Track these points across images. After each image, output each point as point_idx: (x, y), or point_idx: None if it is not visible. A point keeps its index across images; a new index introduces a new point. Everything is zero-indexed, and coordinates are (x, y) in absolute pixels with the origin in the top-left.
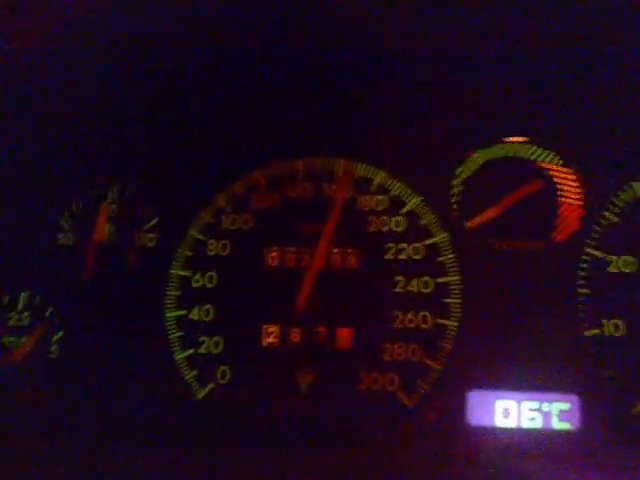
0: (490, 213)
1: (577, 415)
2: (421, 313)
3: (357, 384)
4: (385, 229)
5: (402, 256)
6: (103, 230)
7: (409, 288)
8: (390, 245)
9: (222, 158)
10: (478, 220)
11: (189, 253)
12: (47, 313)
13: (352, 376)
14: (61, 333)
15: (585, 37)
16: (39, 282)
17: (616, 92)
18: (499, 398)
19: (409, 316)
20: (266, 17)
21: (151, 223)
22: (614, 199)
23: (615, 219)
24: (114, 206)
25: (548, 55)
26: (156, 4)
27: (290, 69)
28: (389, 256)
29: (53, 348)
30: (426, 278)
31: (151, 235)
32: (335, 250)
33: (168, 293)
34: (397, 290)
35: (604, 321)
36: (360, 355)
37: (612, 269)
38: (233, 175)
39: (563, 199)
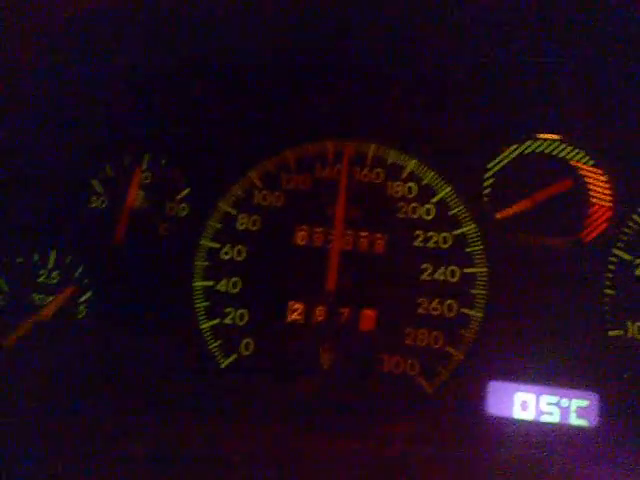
0: (521, 206)
1: (595, 413)
2: (446, 302)
3: (378, 366)
4: (415, 216)
5: (430, 244)
6: (135, 196)
7: (436, 276)
8: (419, 232)
9: (255, 135)
10: (508, 212)
11: (219, 225)
12: (76, 274)
13: (374, 358)
14: (89, 294)
15: (618, 36)
16: (70, 242)
17: None
18: (518, 390)
19: (434, 304)
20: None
21: (183, 193)
22: None
23: None
24: (147, 174)
25: (584, 54)
26: None
27: (327, 50)
28: (417, 243)
29: (81, 308)
30: (453, 267)
31: (182, 205)
32: (364, 234)
33: (196, 263)
34: (424, 277)
35: (628, 323)
36: (383, 338)
37: (639, 272)
38: (265, 152)
39: (593, 199)
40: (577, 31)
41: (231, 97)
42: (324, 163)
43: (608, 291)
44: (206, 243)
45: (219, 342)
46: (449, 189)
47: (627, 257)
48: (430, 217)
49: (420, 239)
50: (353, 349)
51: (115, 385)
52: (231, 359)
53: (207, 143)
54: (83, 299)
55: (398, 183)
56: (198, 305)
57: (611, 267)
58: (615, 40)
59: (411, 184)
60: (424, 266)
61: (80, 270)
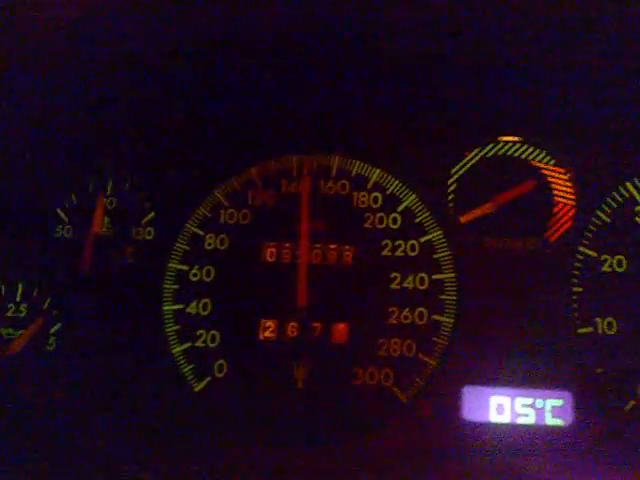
0: (484, 209)
1: (570, 411)
2: (417, 309)
3: (353, 379)
4: (381, 226)
5: (398, 253)
6: (100, 223)
7: (405, 284)
8: (386, 242)
9: (219, 153)
10: (472, 215)
11: (186, 247)
12: (45, 305)
13: (348, 371)
14: (58, 325)
15: (578, 38)
16: (37, 274)
17: (609, 93)
18: (493, 394)
19: (405, 312)
20: (261, 18)
21: (148, 217)
22: (607, 199)
23: (608, 219)
24: (112, 199)
25: (542, 56)
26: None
27: (287, 66)
28: (385, 253)
29: (51, 340)
30: (422, 275)
31: (148, 229)
32: (332, 246)
33: (165, 287)
34: (393, 286)
35: (597, 319)
36: (356, 350)
37: (606, 268)
38: (230, 171)
39: (557, 198)
40: (533, 32)
41: (193, 117)
42: (289, 178)
43: (576, 289)
44: (174, 266)
45: (192, 366)
46: (414, 197)
47: (593, 254)
48: (396, 226)
49: (388, 248)
50: (327, 364)
51: (89, 415)
52: (205, 382)
53: (171, 165)
54: (53, 330)
55: (363, 194)
56: (169, 329)
57: (577, 265)
58: (571, 40)
59: (376, 194)
60: (393, 275)
61: (48, 301)
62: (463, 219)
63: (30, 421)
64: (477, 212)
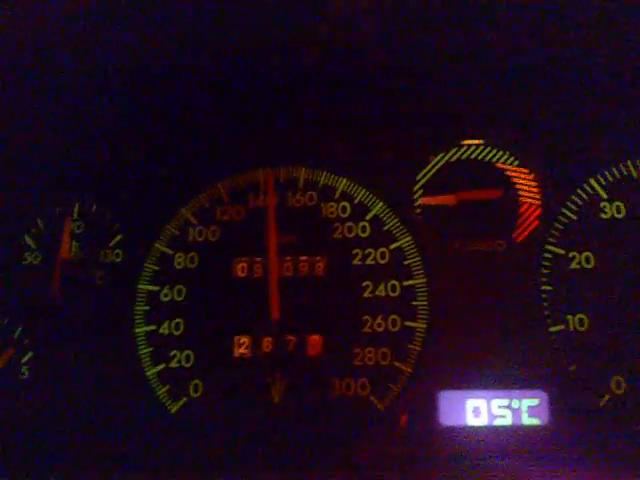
0: (445, 199)
1: (546, 410)
2: (390, 317)
3: (329, 391)
4: (351, 235)
5: (369, 261)
6: (68, 247)
7: (377, 292)
8: (357, 251)
9: (184, 171)
10: (432, 201)
11: (156, 267)
12: (16, 334)
13: (324, 383)
14: (31, 354)
15: (535, 40)
16: (7, 303)
17: (568, 92)
18: (469, 397)
19: (378, 320)
20: (227, 34)
21: (116, 239)
22: (572, 196)
23: (574, 216)
24: (79, 223)
25: (500, 59)
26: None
27: (250, 81)
28: (356, 262)
29: (23, 369)
30: (393, 282)
31: (117, 251)
32: (303, 258)
33: (136, 308)
34: (365, 295)
35: (569, 316)
36: (331, 361)
37: (574, 265)
38: (196, 187)
39: (522, 199)
40: (490, 35)
41: (156, 136)
42: (256, 192)
43: (545, 287)
44: (144, 287)
45: (167, 387)
46: (382, 205)
47: (560, 252)
48: (366, 234)
49: (358, 257)
50: (303, 377)
51: (65, 443)
52: (181, 403)
53: (136, 185)
54: (25, 360)
55: (331, 204)
56: (142, 351)
57: (546, 263)
58: (528, 41)
59: (344, 203)
60: (365, 284)
61: (19, 331)
62: (423, 201)
63: (5, 450)
64: (438, 199)
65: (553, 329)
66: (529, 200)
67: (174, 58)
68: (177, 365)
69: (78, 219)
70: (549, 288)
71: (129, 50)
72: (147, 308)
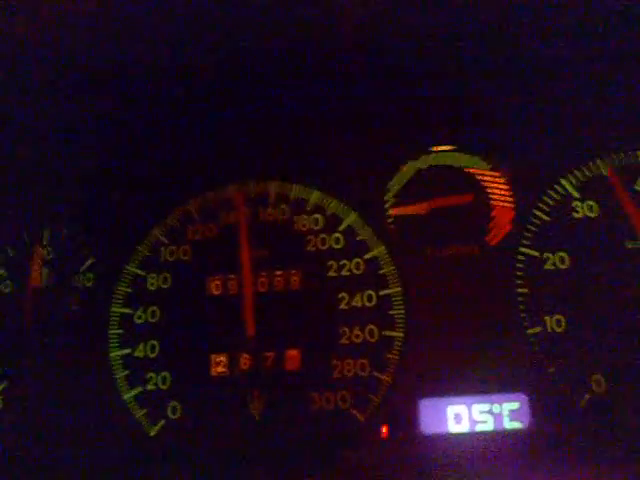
0: (417, 209)
1: (527, 413)
2: (367, 327)
3: (310, 405)
4: (325, 247)
5: (344, 272)
6: (39, 274)
7: (353, 303)
8: (331, 263)
9: (153, 191)
10: (404, 211)
11: (128, 289)
12: None
13: (304, 398)
14: (5, 384)
15: (501, 41)
16: None
17: (536, 93)
18: (450, 404)
19: (355, 331)
20: (195, 45)
21: (87, 263)
22: (544, 197)
23: (547, 217)
24: (49, 249)
25: (466, 63)
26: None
27: (216, 95)
28: (331, 273)
29: None
30: (369, 292)
31: (88, 275)
32: (279, 273)
33: (110, 332)
34: (342, 307)
35: (546, 318)
36: (310, 375)
37: (549, 266)
38: (166, 207)
39: (494, 202)
40: (455, 39)
41: (123, 157)
42: (227, 208)
43: (521, 290)
44: (118, 310)
45: (145, 410)
46: (354, 215)
47: (535, 253)
48: (340, 245)
49: (333, 269)
50: (282, 393)
51: (42, 471)
52: (159, 426)
53: (106, 208)
54: None
55: (304, 217)
56: (118, 375)
57: (520, 266)
58: (493, 45)
59: (317, 216)
60: (341, 295)
61: None
62: (395, 211)
63: None
64: (409, 209)
65: (531, 331)
66: (501, 203)
67: (138, 77)
68: (154, 387)
69: (48, 245)
70: (525, 290)
71: (93, 65)
72: (121, 331)
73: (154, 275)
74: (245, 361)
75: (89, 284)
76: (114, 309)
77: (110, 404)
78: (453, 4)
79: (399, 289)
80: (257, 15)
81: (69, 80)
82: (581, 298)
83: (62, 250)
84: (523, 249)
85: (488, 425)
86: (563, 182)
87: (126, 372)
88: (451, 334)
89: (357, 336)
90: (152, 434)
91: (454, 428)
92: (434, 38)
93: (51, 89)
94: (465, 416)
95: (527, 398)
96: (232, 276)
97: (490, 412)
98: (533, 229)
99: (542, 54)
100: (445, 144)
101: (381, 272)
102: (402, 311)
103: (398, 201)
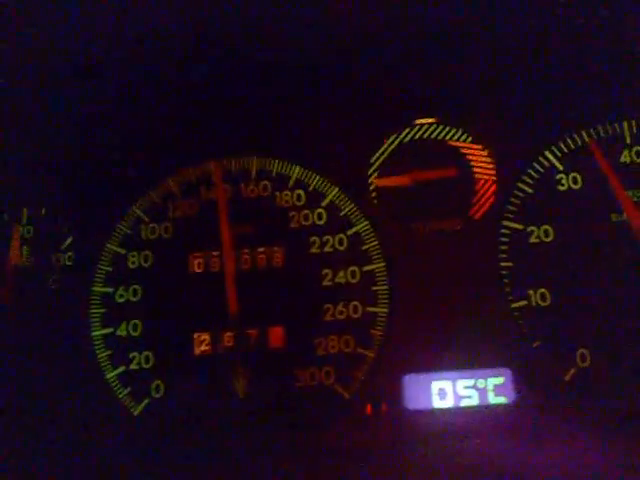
0: (400, 180)
1: (512, 388)
2: (351, 303)
3: (294, 382)
4: (307, 223)
5: (327, 248)
6: (18, 254)
7: (337, 280)
8: (314, 239)
9: (133, 167)
10: (387, 182)
11: (109, 268)
12: None
13: (288, 374)
14: None
15: (483, 16)
16: None
17: (518, 65)
18: (434, 379)
19: (339, 307)
20: (175, 23)
21: (67, 242)
22: (528, 170)
23: (530, 190)
24: (28, 227)
25: (448, 36)
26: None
27: (197, 72)
28: (314, 250)
29: None
30: (353, 268)
31: (69, 253)
32: (261, 249)
33: (92, 311)
34: (325, 283)
35: (530, 292)
36: (294, 352)
37: (533, 240)
38: (146, 184)
39: (477, 176)
40: (437, 13)
41: (102, 134)
42: (208, 185)
43: (505, 264)
44: (99, 289)
45: (128, 389)
46: (337, 190)
47: (519, 227)
48: (322, 221)
49: (316, 245)
50: (266, 370)
51: (27, 451)
52: (143, 405)
53: (85, 186)
54: None
55: (286, 193)
56: (100, 355)
57: (504, 239)
58: (477, 18)
59: (299, 191)
60: (324, 272)
61: None
62: (377, 183)
63: None
64: (392, 181)
65: (515, 305)
66: (484, 177)
67: (119, 53)
68: (137, 366)
69: (27, 224)
70: (509, 264)
71: (73, 46)
72: (103, 310)
73: (135, 253)
74: (228, 339)
75: (69, 263)
76: (95, 288)
77: (94, 384)
78: None
79: (383, 265)
80: None
81: (48, 63)
82: (566, 272)
83: (42, 229)
84: (507, 222)
85: (473, 400)
86: (547, 154)
87: (109, 351)
88: (435, 309)
89: (341, 312)
90: (136, 413)
91: (439, 403)
92: (416, 14)
93: (28, 71)
94: (450, 391)
95: (512, 373)
96: (214, 253)
97: (475, 387)
98: (517, 202)
99: (524, 27)
100: (428, 117)
101: (364, 248)
102: (386, 287)
103: (381, 174)
